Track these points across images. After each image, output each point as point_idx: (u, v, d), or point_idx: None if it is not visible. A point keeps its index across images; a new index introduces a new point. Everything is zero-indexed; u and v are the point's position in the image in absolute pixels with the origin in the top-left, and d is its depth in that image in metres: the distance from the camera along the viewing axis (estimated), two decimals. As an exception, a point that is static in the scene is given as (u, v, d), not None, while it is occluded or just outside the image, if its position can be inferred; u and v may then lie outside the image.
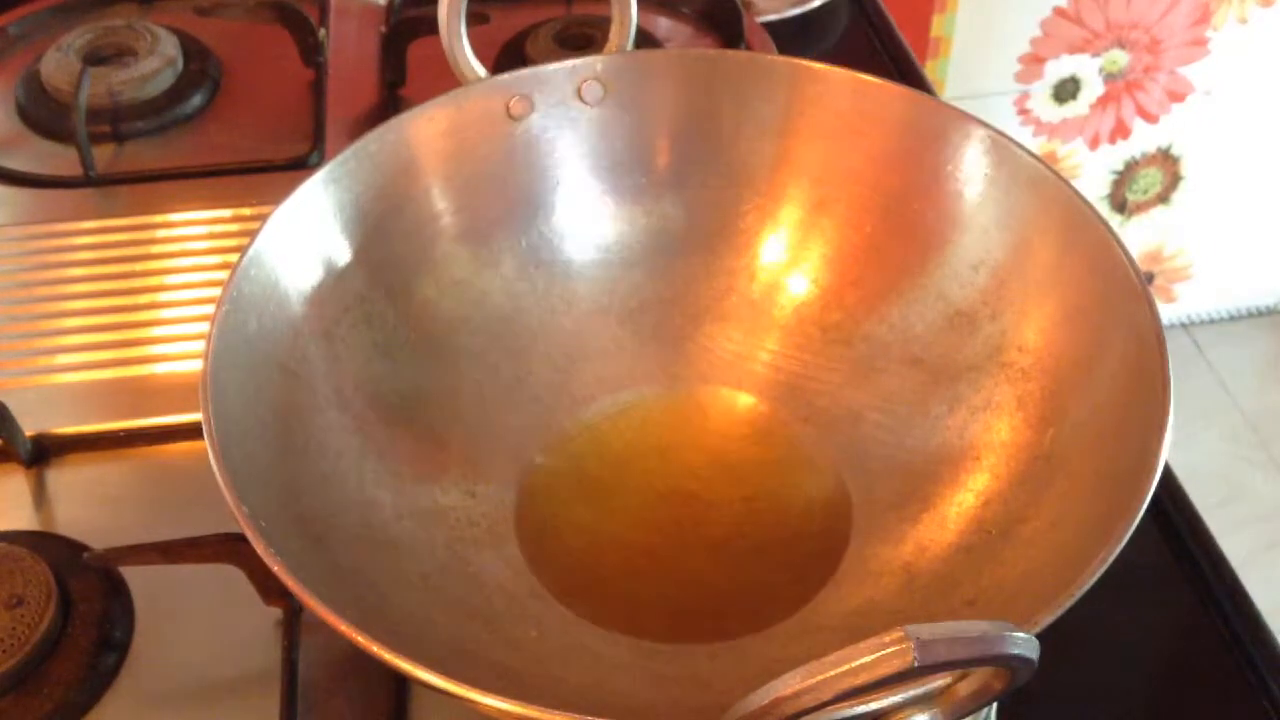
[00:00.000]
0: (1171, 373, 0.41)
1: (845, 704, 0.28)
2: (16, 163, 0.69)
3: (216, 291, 0.43)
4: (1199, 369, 1.66)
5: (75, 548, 0.49)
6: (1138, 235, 1.59)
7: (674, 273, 0.56)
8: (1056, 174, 0.48)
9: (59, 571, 0.47)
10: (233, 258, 0.45)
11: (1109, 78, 1.42)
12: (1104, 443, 0.43)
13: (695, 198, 0.56)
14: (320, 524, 0.43)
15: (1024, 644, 0.28)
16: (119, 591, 0.48)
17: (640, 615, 0.46)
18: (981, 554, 0.45)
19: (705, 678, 0.44)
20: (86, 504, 0.52)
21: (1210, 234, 1.61)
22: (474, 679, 0.33)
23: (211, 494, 0.37)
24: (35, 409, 0.54)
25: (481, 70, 0.54)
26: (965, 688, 0.31)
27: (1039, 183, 0.49)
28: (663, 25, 0.80)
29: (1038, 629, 0.34)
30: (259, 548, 0.36)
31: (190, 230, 0.64)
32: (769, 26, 0.80)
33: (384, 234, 0.51)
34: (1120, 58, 1.40)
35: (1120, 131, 1.48)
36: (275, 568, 0.35)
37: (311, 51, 0.75)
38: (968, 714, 0.31)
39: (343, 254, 0.49)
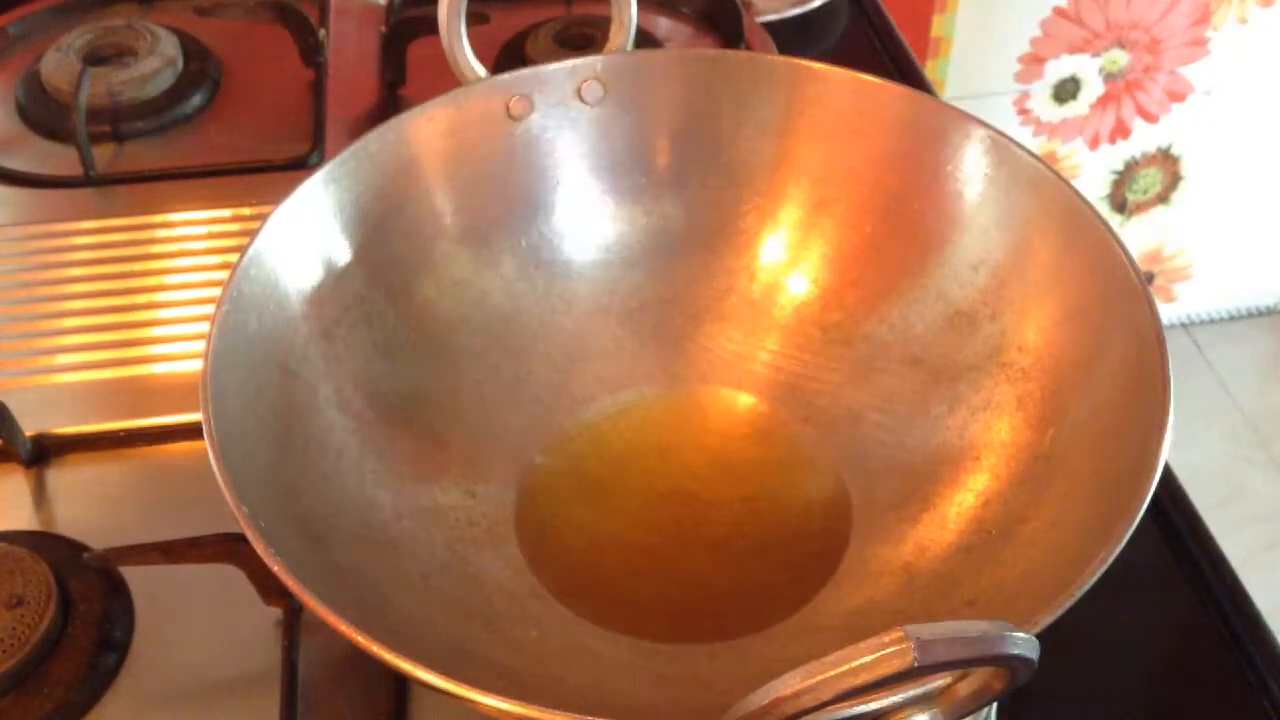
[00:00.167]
0: (1171, 373, 0.41)
1: (845, 704, 0.28)
2: (16, 163, 0.69)
3: (216, 291, 0.43)
4: (1199, 369, 1.66)
5: (75, 548, 0.49)
6: (1138, 235, 1.59)
7: (674, 273, 0.56)
8: (1056, 174, 0.48)
9: (59, 571, 0.47)
10: (233, 258, 0.45)
11: (1109, 78, 1.42)
12: (1104, 443, 0.43)
13: (695, 198, 0.56)
14: (320, 524, 0.43)
15: (1024, 644, 0.28)
16: (119, 591, 0.48)
17: (640, 615, 0.46)
18: (981, 554, 0.45)
19: (705, 678, 0.44)
20: (86, 504, 0.52)
21: (1210, 234, 1.61)
22: (474, 679, 0.33)
23: (211, 494, 0.37)
24: (35, 409, 0.54)
25: (481, 70, 0.54)
26: (965, 688, 0.31)
27: (1039, 183, 0.49)
28: (663, 25, 0.80)
29: (1038, 629, 0.34)
30: (259, 548, 0.36)
31: (190, 230, 0.64)
32: (769, 26, 0.80)
33: (384, 234, 0.51)
34: (1120, 58, 1.40)
35: (1120, 131, 1.48)
36: (275, 568, 0.35)
37: (311, 51, 0.75)
38: (968, 714, 0.31)
39: (343, 254, 0.49)
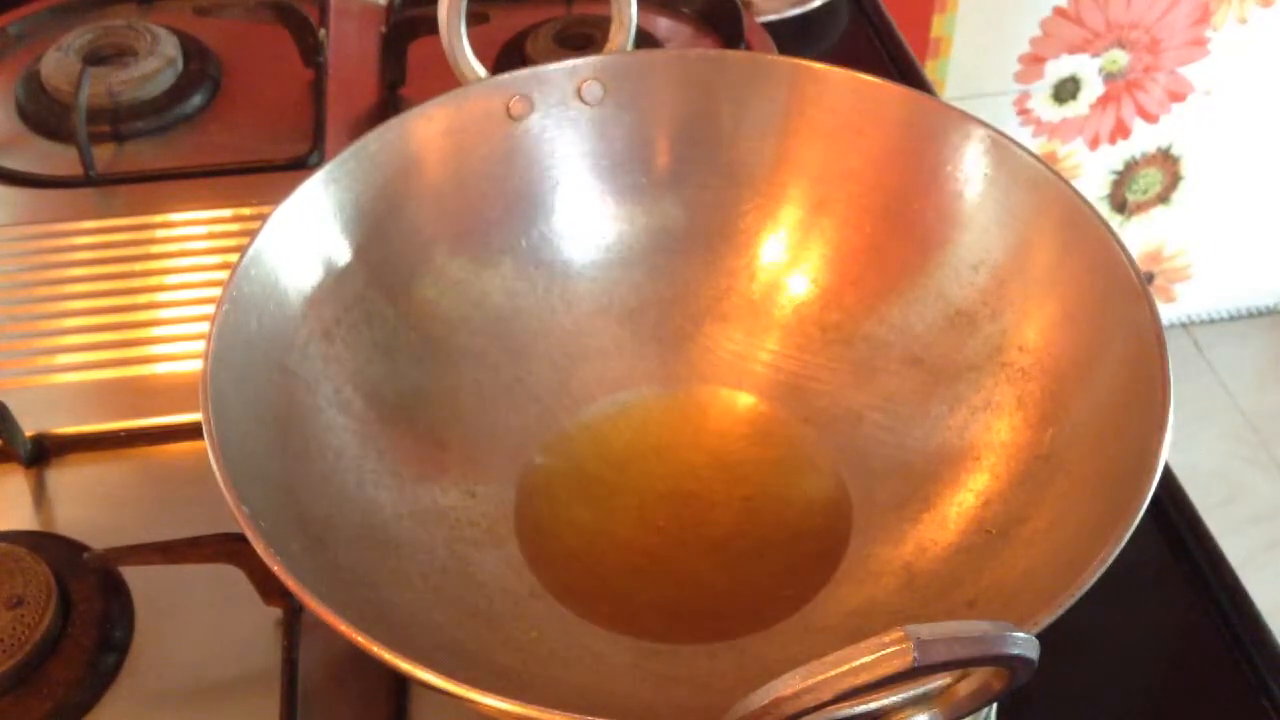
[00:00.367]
0: (1171, 373, 0.41)
1: (845, 704, 0.28)
2: (16, 163, 0.69)
3: (216, 291, 0.43)
4: (1199, 369, 1.66)
5: (75, 548, 0.49)
6: (1138, 235, 1.59)
7: (674, 273, 0.56)
8: (1056, 174, 0.48)
9: (59, 571, 0.47)
10: (233, 258, 0.45)
11: (1109, 78, 1.42)
12: (1104, 443, 0.43)
13: (695, 198, 0.56)
14: (320, 524, 0.43)
15: (1024, 644, 0.28)
16: (119, 591, 0.48)
17: (640, 615, 0.46)
18: (981, 554, 0.45)
19: (705, 678, 0.44)
20: (86, 504, 0.52)
21: (1210, 234, 1.61)
22: (474, 679, 0.33)
23: (211, 494, 0.37)
24: (35, 409, 0.54)
25: (481, 70, 0.54)
26: (965, 688, 0.31)
27: (1039, 183, 0.49)
28: (663, 25, 0.80)
29: (1038, 629, 0.34)
30: (259, 548, 0.36)
31: (190, 230, 0.64)
32: (769, 26, 0.80)
33: (384, 234, 0.51)
34: (1120, 58, 1.40)
35: (1120, 131, 1.48)
36: (275, 568, 0.35)
37: (311, 51, 0.75)
38: (968, 714, 0.31)
39: (343, 254, 0.49)
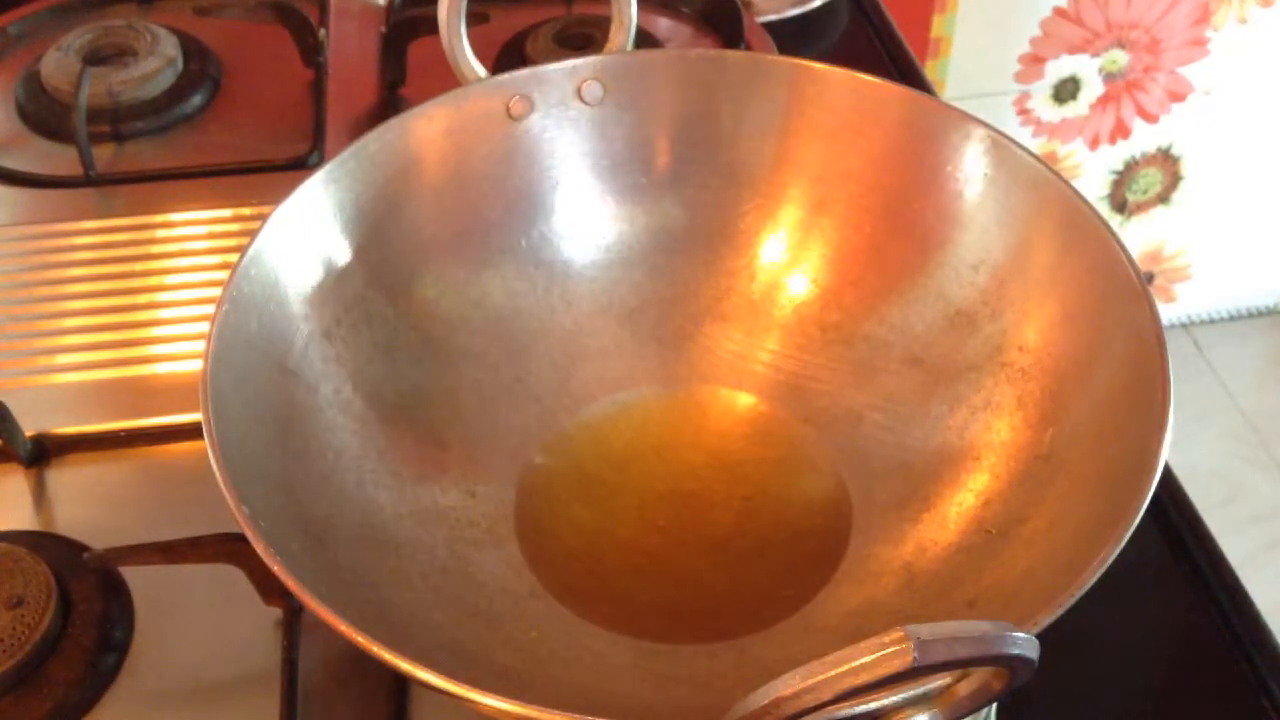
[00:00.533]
0: (1171, 373, 0.41)
1: (845, 704, 0.28)
2: (16, 163, 0.69)
3: (216, 291, 0.43)
4: (1199, 369, 1.66)
5: (75, 548, 0.49)
6: (1138, 235, 1.59)
7: (674, 273, 0.56)
8: (1056, 174, 0.48)
9: (59, 571, 0.47)
10: (233, 258, 0.45)
11: (1109, 78, 1.42)
12: (1104, 443, 0.43)
13: (695, 198, 0.56)
14: (320, 524, 0.43)
15: (1024, 644, 0.28)
16: (119, 591, 0.48)
17: (640, 615, 0.46)
18: (981, 554, 0.45)
19: (705, 678, 0.44)
20: (86, 504, 0.52)
21: (1210, 234, 1.61)
22: (474, 679, 0.33)
23: (211, 494, 0.37)
24: (35, 409, 0.54)
25: (481, 70, 0.54)
26: (965, 688, 0.31)
27: (1039, 183, 0.49)
28: (663, 25, 0.80)
29: (1038, 629, 0.34)
30: (259, 548, 0.36)
31: (190, 230, 0.64)
32: (769, 26, 0.80)
33: (384, 234, 0.51)
34: (1120, 58, 1.40)
35: (1120, 131, 1.48)
36: (275, 568, 0.35)
37: (311, 51, 0.75)
38: (968, 714, 0.31)
39: (343, 254, 0.49)
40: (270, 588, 0.47)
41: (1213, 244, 1.62)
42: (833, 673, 0.27)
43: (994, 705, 0.38)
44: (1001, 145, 0.50)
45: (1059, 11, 1.34)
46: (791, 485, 0.51)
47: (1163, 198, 1.56)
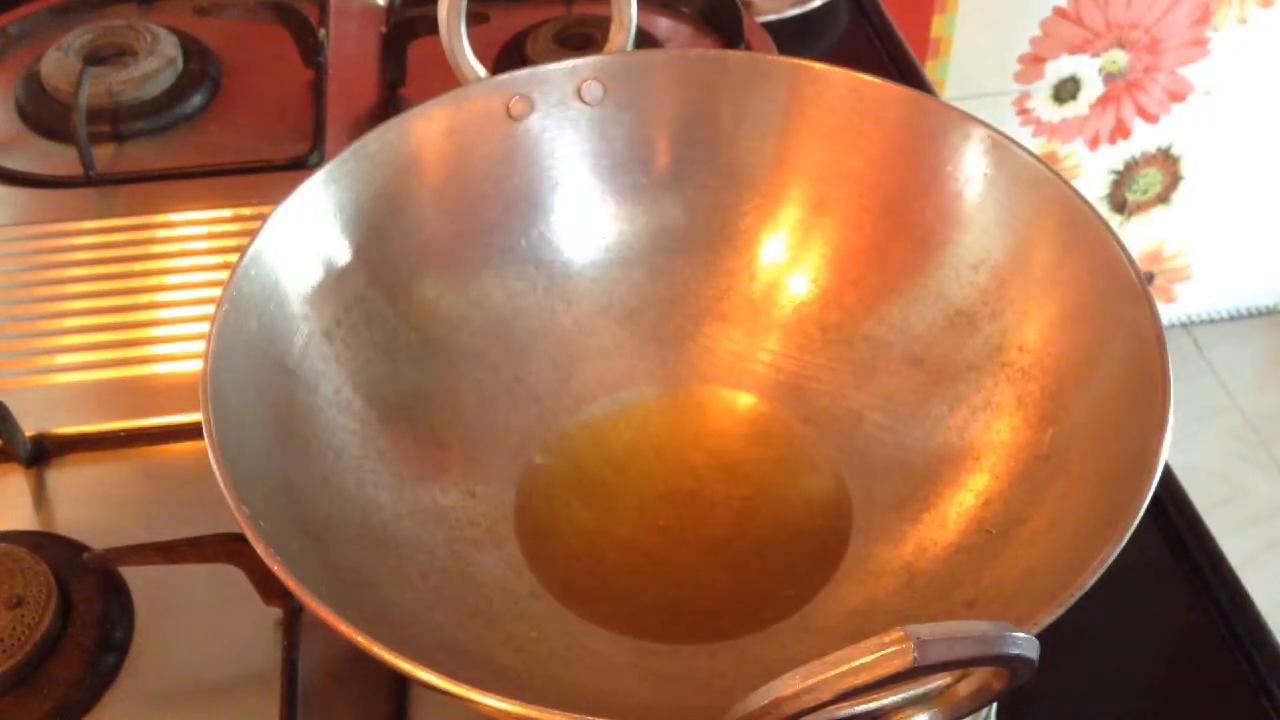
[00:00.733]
0: (1171, 373, 0.41)
1: (845, 704, 0.28)
2: (16, 163, 0.69)
3: (216, 291, 0.43)
4: (1199, 369, 1.66)
5: (75, 548, 0.49)
6: (1138, 235, 1.59)
7: (674, 273, 0.56)
8: (1056, 174, 0.48)
9: (59, 571, 0.47)
10: (233, 258, 0.45)
11: (1109, 78, 1.42)
12: (1104, 443, 0.43)
13: (695, 198, 0.56)
14: (320, 524, 0.43)
15: (1024, 644, 0.28)
16: (119, 591, 0.48)
17: (640, 615, 0.46)
18: (981, 554, 0.45)
19: (705, 678, 0.44)
20: (86, 504, 0.52)
21: (1210, 234, 1.61)
22: (474, 679, 0.33)
23: (211, 494, 0.37)
24: (35, 409, 0.54)
25: (481, 70, 0.54)
26: (965, 688, 0.31)
27: (1039, 183, 0.49)
28: (663, 25, 0.80)
29: (1038, 629, 0.34)
30: (259, 548, 0.36)
31: (190, 230, 0.64)
32: (769, 26, 0.80)
33: (384, 234, 0.51)
34: (1120, 58, 1.40)
35: (1120, 131, 1.48)
36: (275, 568, 0.35)
37: (311, 51, 0.75)
38: (968, 714, 0.32)
39: (343, 254, 0.49)
40: (270, 588, 0.47)
41: (1213, 244, 1.62)
42: (833, 673, 0.27)
43: (994, 705, 0.38)
44: (1001, 145, 0.50)
45: (1059, 11, 1.34)
46: (791, 485, 0.51)
47: (1163, 198, 1.56)
